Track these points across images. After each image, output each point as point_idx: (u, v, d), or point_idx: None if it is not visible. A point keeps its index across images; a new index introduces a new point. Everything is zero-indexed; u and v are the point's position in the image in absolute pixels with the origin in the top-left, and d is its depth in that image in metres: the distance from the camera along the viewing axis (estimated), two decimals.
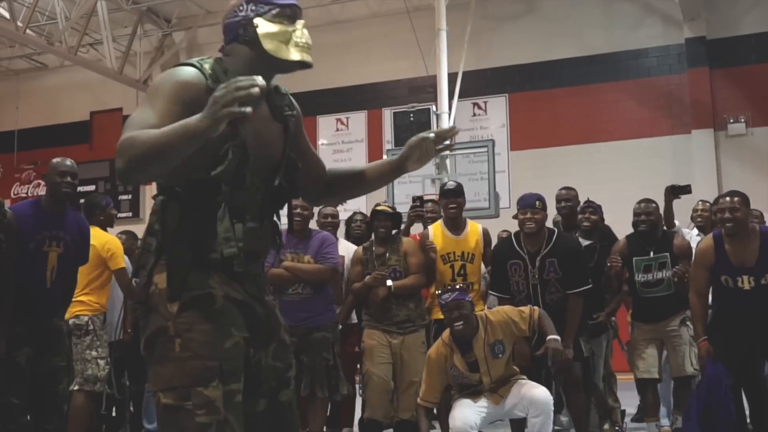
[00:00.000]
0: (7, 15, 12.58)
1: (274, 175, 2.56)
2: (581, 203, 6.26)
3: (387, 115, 13.50)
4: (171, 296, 2.35)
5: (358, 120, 14.31)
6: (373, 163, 2.86)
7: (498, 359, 4.88)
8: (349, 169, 2.87)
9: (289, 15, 2.53)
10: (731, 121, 12.21)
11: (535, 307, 4.99)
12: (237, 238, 2.40)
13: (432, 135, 2.72)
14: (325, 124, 14.55)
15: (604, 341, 5.91)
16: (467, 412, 4.82)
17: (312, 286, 5.44)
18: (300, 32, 2.54)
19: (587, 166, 12.71)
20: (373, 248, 5.74)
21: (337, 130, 14.49)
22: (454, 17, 12.21)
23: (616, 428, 5.92)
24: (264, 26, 2.50)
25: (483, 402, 4.88)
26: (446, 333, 4.99)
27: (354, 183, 2.83)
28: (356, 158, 14.17)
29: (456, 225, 5.87)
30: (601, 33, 13.02)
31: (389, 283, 5.57)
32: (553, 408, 4.81)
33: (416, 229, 6.71)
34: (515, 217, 5.54)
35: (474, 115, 13.71)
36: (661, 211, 5.86)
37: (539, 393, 4.79)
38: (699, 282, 5.07)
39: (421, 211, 6.41)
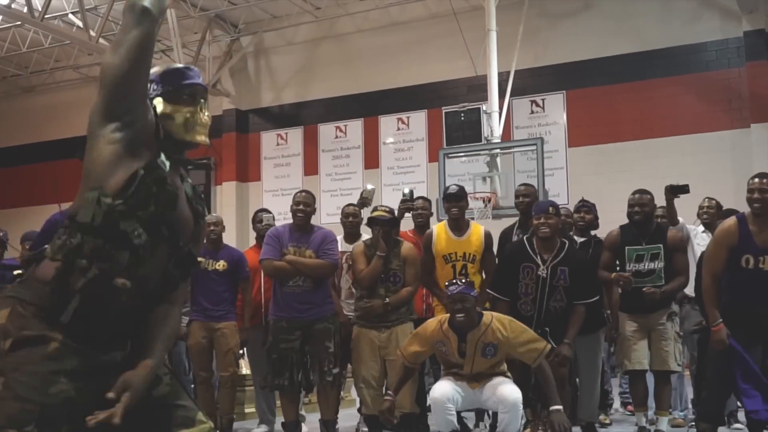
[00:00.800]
0: (80, 24, 13.24)
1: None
2: (577, 202, 6.44)
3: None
4: (5, 333, 2.27)
5: (418, 119, 14.54)
6: None
7: (486, 359, 5.06)
8: None
9: (188, 95, 2.52)
10: None
11: (547, 348, 5.08)
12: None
13: None
14: (387, 123, 14.84)
15: (602, 336, 6.02)
16: (448, 387, 5.06)
17: (312, 279, 5.74)
18: (198, 114, 2.53)
19: (645, 161, 12.69)
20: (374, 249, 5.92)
21: (399, 129, 14.76)
22: (509, 17, 12.38)
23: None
24: (161, 107, 2.49)
25: (463, 385, 5.09)
26: (445, 318, 5.19)
27: None
28: (417, 157, 14.43)
29: (458, 226, 6.04)
30: (659, 28, 12.95)
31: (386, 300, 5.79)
32: (521, 407, 4.99)
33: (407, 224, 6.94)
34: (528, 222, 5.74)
35: (532, 112, 13.80)
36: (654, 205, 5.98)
37: (509, 392, 4.98)
38: (716, 263, 5.07)
39: (410, 204, 6.78)
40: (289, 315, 5.71)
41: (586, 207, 6.35)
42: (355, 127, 15.11)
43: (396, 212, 6.53)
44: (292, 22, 15.02)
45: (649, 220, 5.69)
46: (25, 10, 12.48)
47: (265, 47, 15.79)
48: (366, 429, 5.99)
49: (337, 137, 15.22)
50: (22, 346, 2.25)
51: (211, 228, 6.40)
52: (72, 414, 2.27)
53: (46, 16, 12.83)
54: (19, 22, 13.99)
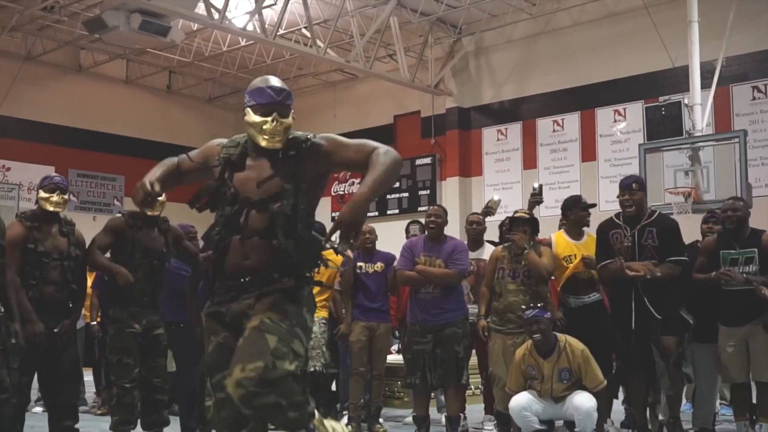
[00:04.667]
0: (308, 34, 14.44)
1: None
2: (706, 213, 6.40)
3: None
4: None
5: (635, 110, 14.36)
6: None
7: (563, 384, 5.58)
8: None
9: (262, 111, 3.34)
10: None
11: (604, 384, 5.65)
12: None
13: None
14: (604, 116, 14.81)
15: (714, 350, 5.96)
16: (525, 397, 5.52)
17: (441, 287, 6.23)
18: (269, 125, 3.32)
19: None
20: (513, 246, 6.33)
21: (615, 121, 14.68)
22: (714, 4, 12.03)
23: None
24: (247, 116, 3.38)
25: (545, 399, 5.47)
26: (531, 344, 5.66)
27: None
28: (633, 149, 14.24)
29: (578, 232, 6.46)
30: None
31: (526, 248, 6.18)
32: (595, 413, 5.34)
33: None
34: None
35: (753, 99, 13.24)
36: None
37: (584, 400, 5.48)
38: None
39: (539, 198, 7.22)
40: (422, 319, 6.27)
41: (714, 218, 6.35)
42: (572, 121, 15.22)
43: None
44: (509, 20, 15.36)
45: (742, 226, 5.68)
46: (258, 30, 13.87)
47: (484, 46, 16.28)
48: (491, 426, 6.46)
49: (554, 131, 15.41)
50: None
51: (367, 236, 7.10)
52: None
53: (279, 33, 14.15)
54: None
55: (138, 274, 5.65)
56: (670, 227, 5.73)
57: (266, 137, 3.33)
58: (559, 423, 6.01)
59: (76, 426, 5.38)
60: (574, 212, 6.48)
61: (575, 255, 6.28)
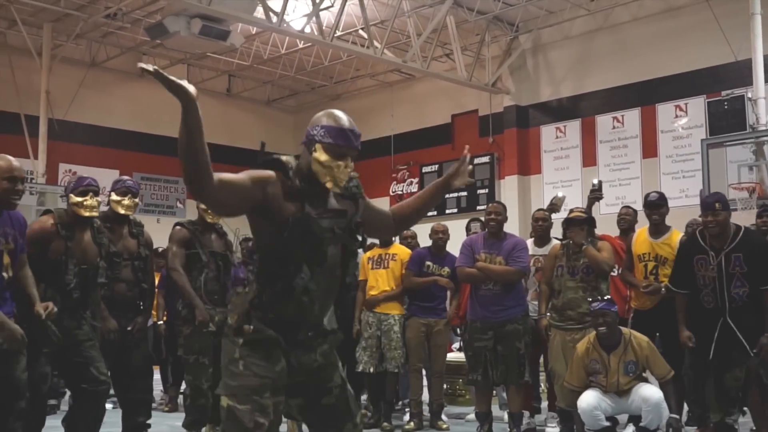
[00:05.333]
0: (365, 35, 14.53)
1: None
2: (759, 207, 6.30)
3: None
4: (237, 332, 3.11)
5: (697, 105, 14.15)
6: (423, 190, 3.54)
7: (629, 377, 5.57)
8: (408, 203, 3.53)
9: (338, 153, 3.12)
10: None
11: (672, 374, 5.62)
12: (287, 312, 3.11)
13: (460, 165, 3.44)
14: (664, 112, 14.62)
15: None
16: (594, 397, 5.51)
17: (502, 284, 6.25)
18: (341, 170, 3.14)
19: None
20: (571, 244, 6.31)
21: (676, 116, 14.48)
22: None
23: None
24: (318, 152, 3.12)
25: (610, 394, 5.47)
26: (593, 334, 5.62)
27: (415, 212, 3.52)
28: (695, 145, 14.04)
29: (658, 231, 6.42)
30: None
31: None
32: (664, 405, 5.35)
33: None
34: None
35: None
36: None
37: (652, 392, 5.45)
38: None
39: (599, 194, 7.07)
40: (483, 316, 6.30)
41: None
42: (632, 117, 15.06)
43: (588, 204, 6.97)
44: (566, 16, 15.26)
45: None
46: (316, 32, 14.02)
47: (542, 43, 16.19)
48: (554, 423, 6.45)
49: (614, 128, 15.26)
50: (251, 342, 3.10)
51: (440, 235, 7.17)
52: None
53: (336, 34, 14.27)
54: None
55: (208, 275, 5.83)
56: (758, 248, 5.46)
57: (333, 179, 3.16)
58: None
59: (148, 422, 5.52)
60: (645, 209, 6.50)
61: (649, 253, 6.29)
